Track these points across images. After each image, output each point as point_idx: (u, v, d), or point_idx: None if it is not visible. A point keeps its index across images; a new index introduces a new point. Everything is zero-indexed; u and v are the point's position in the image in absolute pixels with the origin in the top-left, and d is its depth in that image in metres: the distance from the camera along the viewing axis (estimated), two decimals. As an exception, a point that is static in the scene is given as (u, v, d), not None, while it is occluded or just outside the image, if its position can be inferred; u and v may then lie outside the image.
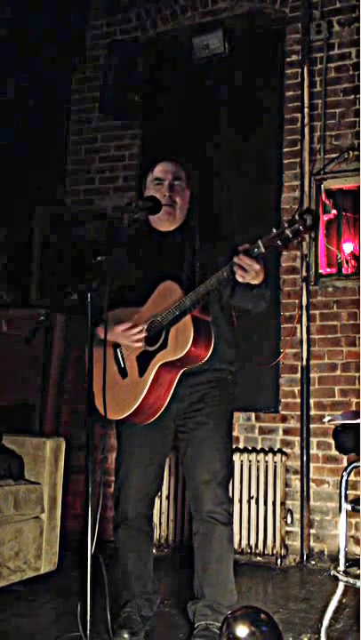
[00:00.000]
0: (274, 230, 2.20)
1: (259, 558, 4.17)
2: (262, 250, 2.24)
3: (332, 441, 2.77)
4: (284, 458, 4.23)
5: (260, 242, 2.24)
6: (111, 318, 2.43)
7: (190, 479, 2.65)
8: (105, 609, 2.33)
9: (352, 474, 2.51)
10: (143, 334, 2.53)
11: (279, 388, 4.44)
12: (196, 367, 2.53)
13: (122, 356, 2.60)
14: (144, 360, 2.53)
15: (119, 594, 2.74)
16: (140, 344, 2.54)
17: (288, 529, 4.23)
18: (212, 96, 4.91)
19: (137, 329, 2.53)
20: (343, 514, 2.47)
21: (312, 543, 4.21)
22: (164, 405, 2.54)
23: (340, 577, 2.41)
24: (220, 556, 2.62)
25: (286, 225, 2.16)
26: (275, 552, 4.11)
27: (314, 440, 4.28)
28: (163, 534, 4.34)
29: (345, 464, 3.58)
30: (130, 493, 2.67)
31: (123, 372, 2.58)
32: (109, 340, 2.50)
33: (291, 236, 2.16)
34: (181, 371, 2.52)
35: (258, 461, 4.22)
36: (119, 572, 2.73)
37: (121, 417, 2.53)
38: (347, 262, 4.45)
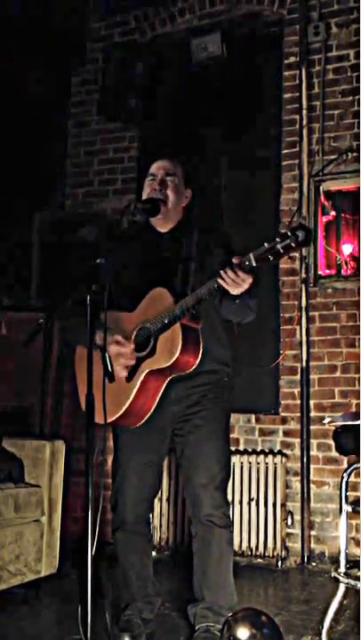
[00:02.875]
0: (266, 244, 2.17)
1: (259, 560, 4.17)
2: (253, 264, 2.22)
3: (332, 442, 2.77)
4: (284, 459, 4.23)
5: (251, 255, 2.22)
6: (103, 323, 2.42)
7: (188, 482, 2.64)
8: (106, 612, 2.33)
9: (352, 475, 2.52)
10: (131, 352, 2.52)
11: (279, 390, 4.44)
12: (192, 370, 2.52)
13: (110, 359, 2.58)
14: (132, 366, 2.53)
15: (120, 597, 2.74)
16: (125, 360, 2.52)
17: (288, 531, 4.22)
18: (211, 98, 4.92)
19: (128, 347, 2.52)
20: (344, 515, 2.47)
21: (313, 545, 4.20)
22: (152, 408, 2.53)
23: (341, 578, 2.41)
24: (219, 559, 2.61)
25: (278, 240, 2.14)
26: (275, 554, 4.11)
27: (314, 441, 4.28)
28: (162, 537, 4.34)
29: (345, 465, 3.57)
30: (127, 497, 2.66)
31: (111, 377, 2.56)
32: (100, 344, 2.46)
33: (282, 251, 2.14)
34: (169, 378, 2.51)
35: (258, 463, 4.21)
36: (119, 575, 2.73)
37: (110, 420, 2.51)
38: (346, 264, 4.45)
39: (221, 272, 2.28)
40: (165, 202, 2.65)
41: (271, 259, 2.18)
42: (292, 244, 2.12)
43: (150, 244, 2.73)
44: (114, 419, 2.52)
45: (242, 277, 2.27)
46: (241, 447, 4.44)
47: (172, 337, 2.43)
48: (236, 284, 2.28)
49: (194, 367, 2.47)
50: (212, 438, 2.62)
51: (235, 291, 2.33)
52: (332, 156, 4.46)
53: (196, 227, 2.72)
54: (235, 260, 2.26)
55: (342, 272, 4.44)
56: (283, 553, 4.12)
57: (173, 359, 2.41)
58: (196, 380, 2.62)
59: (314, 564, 4.15)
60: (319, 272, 4.46)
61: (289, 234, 2.12)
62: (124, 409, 2.49)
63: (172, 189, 2.67)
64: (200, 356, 2.46)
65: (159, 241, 2.72)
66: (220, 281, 2.30)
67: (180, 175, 2.71)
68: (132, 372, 2.52)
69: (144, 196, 2.70)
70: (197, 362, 2.46)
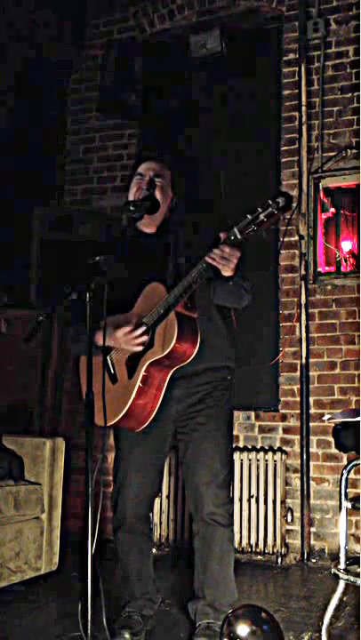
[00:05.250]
0: (248, 216, 2.21)
1: (259, 557, 4.17)
2: (238, 237, 2.25)
3: (331, 439, 2.77)
4: (284, 456, 4.23)
5: (235, 229, 2.25)
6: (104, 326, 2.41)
7: (190, 480, 2.64)
8: (105, 609, 2.33)
9: (352, 472, 2.52)
10: (145, 337, 2.50)
11: (279, 387, 4.44)
12: (194, 368, 2.52)
13: (112, 361, 2.58)
14: (133, 362, 2.52)
15: (120, 594, 2.75)
16: (140, 348, 2.51)
17: (288, 527, 4.23)
18: (210, 95, 4.91)
19: (138, 331, 2.50)
20: (343, 512, 2.47)
21: (312, 541, 4.21)
22: (155, 410, 2.51)
23: (341, 575, 2.41)
24: (220, 557, 2.61)
25: (260, 209, 2.17)
26: (275, 551, 4.11)
27: (314, 438, 4.28)
28: (163, 534, 4.34)
29: (345, 462, 3.58)
30: (128, 496, 2.66)
31: (113, 378, 2.54)
32: (102, 347, 2.45)
33: (265, 219, 2.17)
34: (171, 371, 2.50)
35: (258, 460, 4.22)
36: (120, 573, 2.74)
37: (113, 422, 2.51)
38: (345, 260, 4.45)
39: (208, 253, 2.30)
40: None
41: (256, 229, 2.21)
42: (274, 211, 2.16)
43: (139, 245, 2.73)
44: (116, 420, 2.51)
45: (229, 252, 2.30)
46: (241, 444, 4.44)
47: (168, 326, 2.43)
48: (225, 259, 2.31)
49: (193, 356, 2.46)
50: (215, 436, 2.62)
51: (225, 269, 2.35)
52: (332, 153, 4.46)
53: (181, 227, 2.73)
54: (221, 235, 2.29)
55: (342, 269, 4.44)
56: (283, 550, 4.12)
57: (170, 348, 2.40)
58: (200, 379, 2.62)
59: (314, 560, 4.15)
60: (319, 269, 4.46)
61: (270, 202, 2.17)
62: (126, 408, 2.48)
63: (160, 190, 2.68)
64: (198, 345, 2.46)
65: (147, 242, 2.72)
66: (207, 259, 2.32)
67: (167, 177, 2.72)
68: (133, 368, 2.51)
69: (131, 196, 2.70)
70: (196, 350, 2.45)
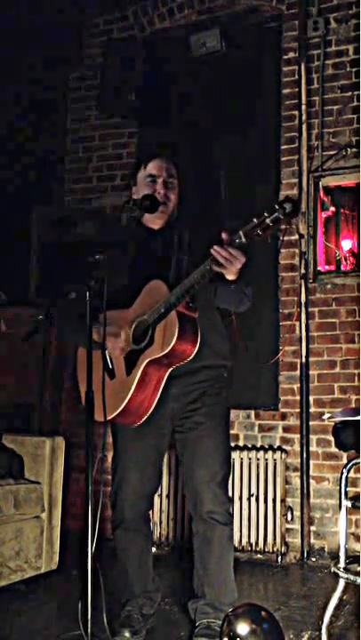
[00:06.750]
0: (254, 220, 2.18)
1: (259, 556, 4.17)
2: (243, 240, 2.23)
3: (331, 438, 2.77)
4: (283, 455, 4.23)
5: (240, 232, 2.23)
6: (100, 320, 2.41)
7: (189, 479, 2.64)
8: (106, 607, 2.33)
9: (352, 471, 2.52)
10: (126, 342, 2.51)
11: (278, 386, 4.44)
12: (191, 366, 2.52)
13: (110, 356, 2.59)
14: (131, 359, 2.51)
15: (120, 593, 2.75)
16: (121, 349, 2.54)
17: (288, 526, 4.23)
18: (210, 94, 4.91)
19: (122, 337, 2.52)
20: (343, 511, 2.47)
21: (312, 540, 4.21)
22: (153, 406, 2.51)
23: (341, 574, 2.41)
24: (220, 556, 2.61)
25: (266, 214, 2.15)
26: (275, 549, 4.12)
27: (313, 437, 4.28)
28: (162, 533, 4.34)
29: (345, 461, 3.57)
30: (127, 495, 2.66)
31: (111, 373, 2.54)
32: (98, 342, 2.45)
33: (271, 224, 2.15)
34: (170, 369, 2.50)
35: (258, 459, 4.22)
36: (119, 572, 2.74)
37: (110, 417, 2.51)
38: (345, 259, 4.45)
39: (212, 251, 2.27)
40: (167, 204, 2.65)
41: (261, 233, 2.18)
42: (281, 216, 2.13)
43: (143, 242, 2.72)
44: (114, 415, 2.51)
45: (234, 254, 2.27)
46: (241, 443, 4.44)
47: (169, 325, 2.42)
48: (229, 262, 2.28)
49: (192, 356, 2.45)
50: (212, 435, 2.62)
51: (228, 272, 2.32)
52: (332, 152, 4.45)
53: (187, 223, 2.72)
54: (224, 237, 2.26)
55: (342, 268, 4.44)
56: (283, 548, 4.12)
57: (170, 347, 2.39)
58: (197, 377, 2.61)
59: (314, 559, 4.15)
60: (319, 268, 4.46)
61: (277, 207, 2.14)
62: (124, 404, 2.48)
63: (173, 191, 2.68)
64: (198, 345, 2.45)
65: (152, 238, 2.71)
66: (212, 261, 2.29)
67: (176, 175, 2.71)
68: (132, 365, 2.51)
69: (140, 195, 2.66)
70: (195, 350, 2.44)
